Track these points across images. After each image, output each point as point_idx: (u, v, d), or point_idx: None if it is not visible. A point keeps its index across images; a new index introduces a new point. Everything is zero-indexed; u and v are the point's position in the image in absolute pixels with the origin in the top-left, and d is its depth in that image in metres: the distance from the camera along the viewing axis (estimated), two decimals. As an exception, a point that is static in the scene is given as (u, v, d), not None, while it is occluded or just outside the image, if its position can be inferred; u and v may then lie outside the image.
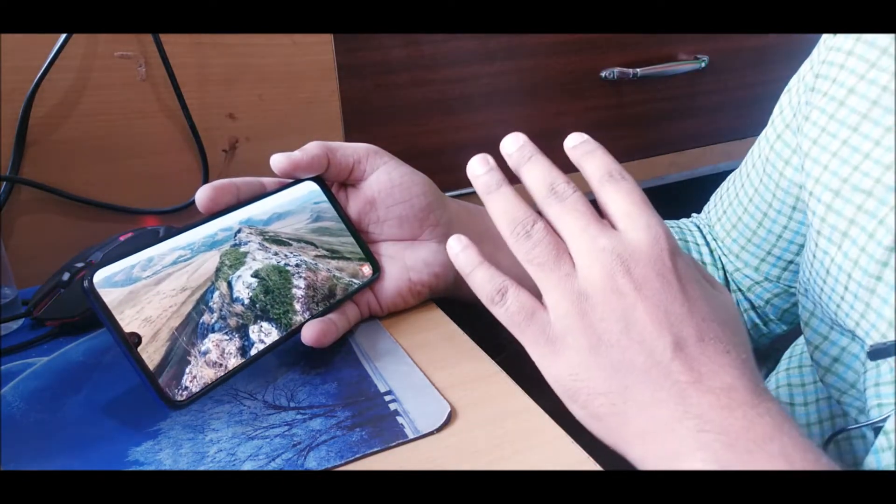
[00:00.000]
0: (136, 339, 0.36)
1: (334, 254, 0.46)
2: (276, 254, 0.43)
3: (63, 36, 0.54)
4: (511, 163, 0.37)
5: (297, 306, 0.43)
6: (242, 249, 0.42)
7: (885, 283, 0.38)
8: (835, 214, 0.41)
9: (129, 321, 0.36)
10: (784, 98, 0.52)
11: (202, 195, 0.41)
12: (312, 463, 0.34)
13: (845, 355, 0.45)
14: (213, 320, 0.39)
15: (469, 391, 0.39)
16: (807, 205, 0.44)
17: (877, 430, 0.41)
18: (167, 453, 0.35)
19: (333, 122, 0.67)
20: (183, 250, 0.40)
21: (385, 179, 0.46)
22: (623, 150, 0.85)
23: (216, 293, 0.40)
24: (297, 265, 0.44)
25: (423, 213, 0.47)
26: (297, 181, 0.46)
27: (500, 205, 0.35)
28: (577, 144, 0.36)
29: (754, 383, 0.31)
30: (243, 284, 0.41)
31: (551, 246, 0.34)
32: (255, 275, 0.42)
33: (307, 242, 0.45)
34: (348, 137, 0.68)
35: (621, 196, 0.34)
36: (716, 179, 0.62)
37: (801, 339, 0.57)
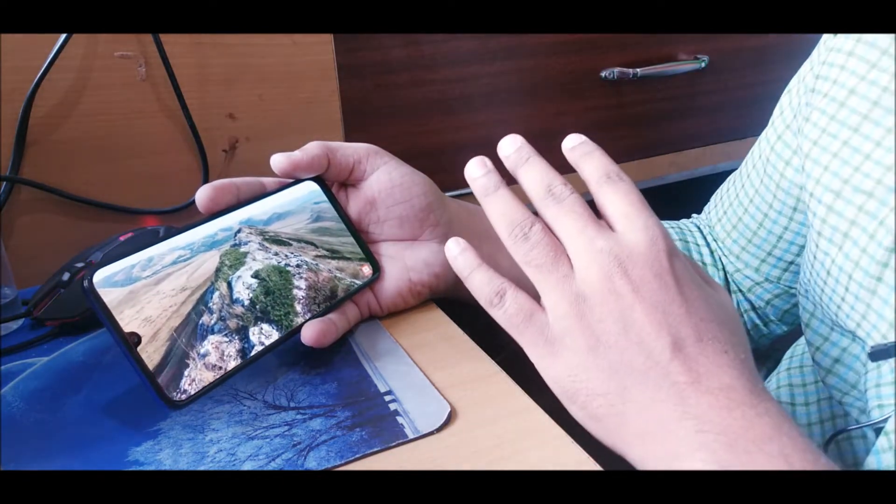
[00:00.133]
0: (135, 338, 0.36)
1: (334, 254, 0.46)
2: (276, 254, 0.43)
3: (63, 36, 0.54)
4: (508, 164, 0.37)
5: (298, 308, 0.43)
6: (242, 249, 0.42)
7: (885, 284, 0.38)
8: (835, 215, 0.41)
9: (128, 321, 0.36)
10: (784, 99, 0.52)
11: (202, 195, 0.41)
12: (312, 463, 0.34)
13: (846, 356, 0.45)
14: (212, 321, 0.39)
15: (469, 391, 0.39)
16: (807, 206, 0.45)
17: (878, 430, 0.41)
18: (167, 453, 0.35)
19: (333, 122, 0.67)
20: (183, 250, 0.40)
21: (385, 179, 0.46)
22: (623, 150, 0.85)
23: (216, 294, 0.40)
24: (297, 266, 0.44)
25: (423, 213, 0.47)
26: (298, 181, 0.46)
27: (497, 207, 0.35)
28: (575, 146, 0.36)
29: (753, 383, 0.31)
30: (243, 285, 0.41)
31: (549, 248, 0.34)
32: (256, 275, 0.42)
33: (307, 242, 0.45)
34: (348, 137, 0.68)
35: (619, 197, 0.34)
36: (716, 179, 0.62)
37: (802, 340, 0.57)
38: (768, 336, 0.58)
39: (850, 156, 0.41)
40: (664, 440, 0.31)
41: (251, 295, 0.41)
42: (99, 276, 0.36)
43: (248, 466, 0.34)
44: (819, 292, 0.44)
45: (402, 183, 0.46)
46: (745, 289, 0.56)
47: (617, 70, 0.79)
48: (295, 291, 0.43)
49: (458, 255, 0.37)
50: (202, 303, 0.39)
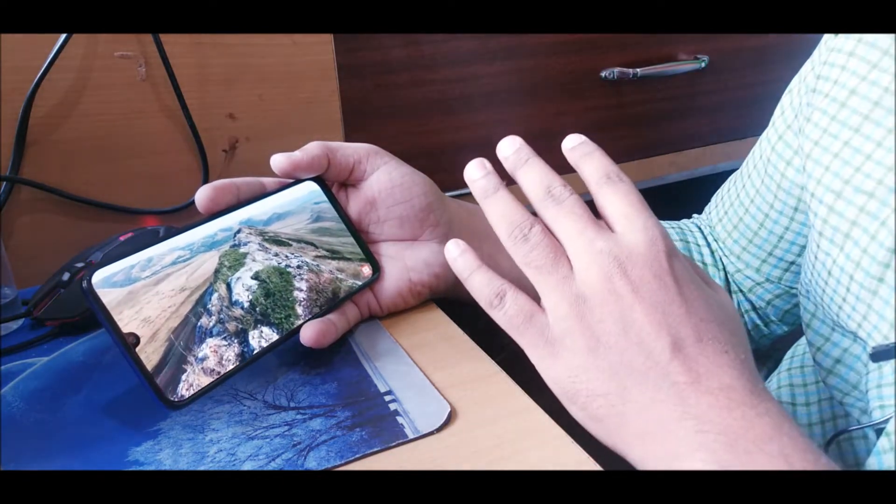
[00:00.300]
0: (134, 339, 0.36)
1: (334, 254, 0.46)
2: (276, 255, 0.43)
3: (63, 36, 0.54)
4: (507, 166, 0.37)
5: (300, 310, 0.43)
6: (242, 250, 0.42)
7: (886, 284, 0.38)
8: (836, 216, 0.41)
9: (127, 321, 0.36)
10: (785, 99, 0.52)
11: (202, 195, 0.41)
12: (312, 463, 0.34)
13: (847, 357, 0.45)
14: (211, 324, 0.39)
15: (469, 391, 0.39)
16: (808, 206, 0.44)
17: (879, 431, 0.41)
18: (167, 453, 0.35)
19: (333, 122, 0.67)
20: (182, 251, 0.40)
21: (385, 179, 0.46)
22: (623, 150, 0.85)
23: (214, 295, 0.40)
24: (298, 266, 0.44)
25: (423, 214, 0.47)
26: (298, 181, 0.46)
27: (497, 208, 0.35)
28: (574, 146, 0.36)
29: (753, 383, 0.31)
30: (243, 287, 0.41)
31: (549, 249, 0.34)
32: (256, 276, 0.42)
33: (307, 243, 0.45)
34: (348, 137, 0.68)
35: (619, 198, 0.34)
36: (716, 179, 0.62)
37: (802, 340, 0.57)
38: (769, 336, 0.58)
39: (851, 156, 0.41)
40: (664, 440, 0.31)
41: (251, 297, 0.41)
42: (98, 277, 0.36)
43: (248, 466, 0.34)
44: (820, 293, 0.44)
45: (402, 183, 0.46)
46: (745, 289, 0.56)
47: (617, 70, 0.79)
48: (296, 293, 0.43)
49: (458, 256, 0.37)
50: (201, 304, 0.39)
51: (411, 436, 0.36)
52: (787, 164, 0.50)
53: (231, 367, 0.39)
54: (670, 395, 0.31)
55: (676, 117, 0.87)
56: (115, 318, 0.36)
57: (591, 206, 0.35)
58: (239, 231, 0.42)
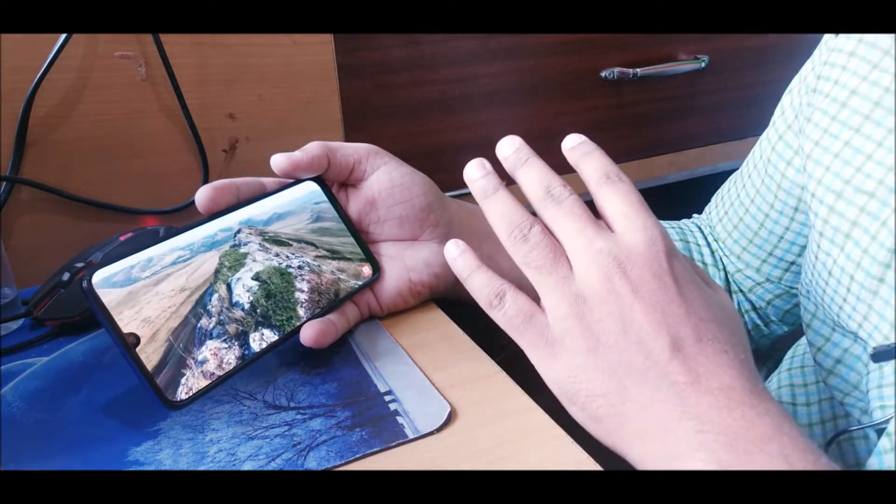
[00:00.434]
0: (134, 339, 0.36)
1: (335, 254, 0.46)
2: (276, 255, 0.43)
3: (63, 36, 0.54)
4: (507, 166, 0.37)
5: (301, 312, 0.42)
6: (242, 250, 0.42)
7: (887, 284, 0.38)
8: (837, 216, 0.41)
9: (127, 321, 0.36)
10: (785, 99, 0.52)
11: (202, 195, 0.41)
12: (312, 463, 0.34)
13: (848, 357, 0.45)
14: (211, 325, 0.39)
15: (469, 391, 0.39)
16: (809, 206, 0.44)
17: (879, 431, 0.41)
18: (167, 453, 0.35)
19: (333, 122, 0.67)
20: (182, 251, 0.40)
21: (385, 179, 0.46)
22: (623, 150, 0.85)
23: (214, 296, 0.40)
24: (299, 267, 0.44)
25: (423, 214, 0.47)
26: (298, 181, 0.46)
27: (497, 209, 0.35)
28: (574, 146, 0.37)
29: (753, 383, 0.31)
30: (243, 288, 0.41)
31: (548, 249, 0.34)
32: (256, 277, 0.42)
33: (307, 243, 0.45)
34: (348, 137, 0.68)
35: (618, 198, 0.34)
36: (716, 180, 0.62)
37: (803, 340, 0.57)
38: (769, 336, 0.58)
39: (852, 156, 0.41)
40: (664, 440, 0.31)
41: (251, 298, 0.41)
42: (98, 277, 0.36)
43: (248, 466, 0.34)
44: (820, 293, 0.44)
45: (402, 183, 0.46)
46: (745, 289, 0.56)
47: (617, 70, 0.79)
48: (297, 294, 0.43)
49: (458, 256, 0.37)
50: (201, 305, 0.39)
51: (411, 436, 0.36)
52: (788, 165, 0.50)
53: (232, 370, 0.39)
54: (670, 395, 0.31)
55: (676, 117, 0.87)
56: (115, 318, 0.36)
57: (591, 206, 0.35)
58: (239, 231, 0.42)
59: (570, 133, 0.37)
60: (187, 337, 0.38)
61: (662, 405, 0.31)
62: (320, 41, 0.64)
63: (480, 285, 0.36)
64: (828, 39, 0.46)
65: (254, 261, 0.42)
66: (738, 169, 0.57)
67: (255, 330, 0.40)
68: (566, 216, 0.34)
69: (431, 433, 0.36)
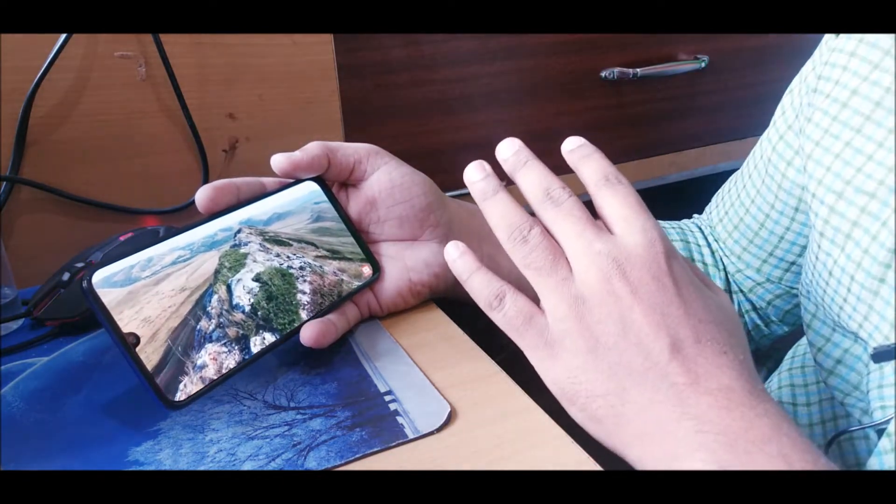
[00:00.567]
0: (134, 339, 0.36)
1: (335, 254, 0.46)
2: (277, 255, 0.43)
3: (63, 36, 0.54)
4: (507, 168, 0.37)
5: (303, 314, 0.42)
6: (242, 250, 0.42)
7: (887, 285, 0.38)
8: (838, 216, 0.41)
9: (127, 321, 0.36)
10: (786, 99, 0.52)
11: (202, 195, 0.41)
12: (312, 463, 0.34)
13: (848, 357, 0.45)
14: (210, 328, 0.38)
15: (469, 391, 0.39)
16: (809, 206, 0.44)
17: (880, 431, 0.41)
18: (167, 453, 0.35)
19: (333, 122, 0.67)
20: (182, 250, 0.40)
21: (385, 179, 0.46)
22: (623, 150, 0.85)
23: (214, 297, 0.39)
24: (300, 268, 0.43)
25: (423, 214, 0.47)
26: (298, 181, 0.46)
27: (497, 210, 0.36)
28: (574, 148, 0.37)
29: (752, 384, 0.31)
30: (244, 289, 0.41)
31: (548, 250, 0.34)
32: (257, 279, 0.42)
33: (307, 243, 0.45)
34: (348, 137, 0.68)
35: (617, 200, 0.34)
36: (716, 179, 0.62)
37: (803, 340, 0.57)
38: (769, 336, 0.58)
39: (853, 157, 0.41)
40: (663, 441, 0.31)
41: (252, 300, 0.41)
42: (98, 277, 0.36)
43: (248, 466, 0.34)
44: (821, 293, 0.44)
45: (402, 183, 0.46)
46: (746, 289, 0.56)
47: (617, 70, 0.79)
48: (299, 296, 0.43)
49: (458, 258, 0.37)
50: (200, 306, 0.39)
51: (411, 436, 0.36)
52: (788, 165, 0.50)
53: (231, 360, 0.39)
54: (669, 396, 0.31)
55: (676, 117, 0.87)
56: (115, 318, 0.36)
57: (590, 207, 0.35)
58: (239, 231, 0.42)
59: (569, 133, 0.37)
60: (186, 340, 0.37)
61: (662, 406, 0.31)
62: (320, 41, 0.64)
63: (480, 287, 0.36)
64: (828, 39, 0.46)
65: (254, 261, 0.42)
66: (738, 169, 0.57)
67: (256, 333, 0.40)
68: (565, 218, 0.34)
69: (431, 433, 0.36)
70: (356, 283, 0.46)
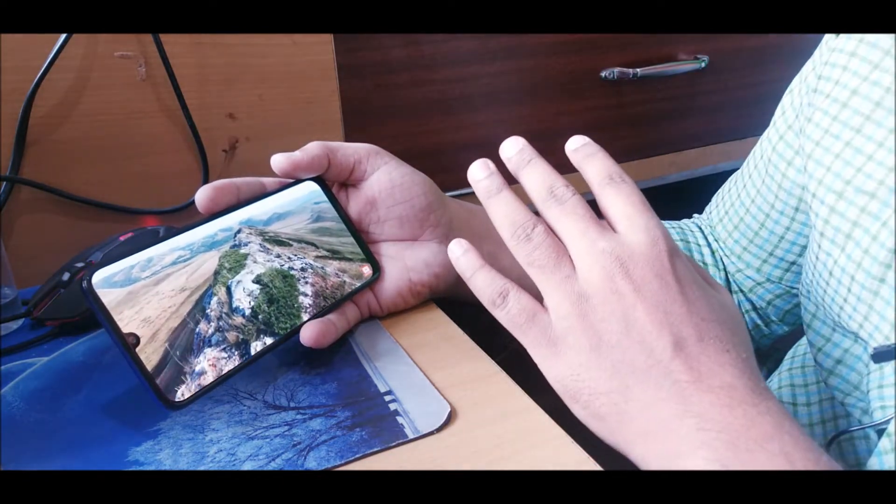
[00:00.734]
0: (134, 339, 0.36)
1: (335, 254, 0.46)
2: (278, 256, 0.43)
3: (63, 36, 0.54)
4: (510, 166, 0.37)
5: (305, 318, 0.42)
6: (243, 251, 0.42)
7: (888, 285, 0.38)
8: (838, 216, 0.41)
9: (127, 322, 0.36)
10: (786, 99, 0.52)
11: (202, 195, 0.41)
12: (312, 463, 0.34)
13: (848, 357, 0.45)
14: (210, 331, 0.38)
15: (469, 391, 0.39)
16: (809, 206, 0.44)
17: (880, 431, 0.41)
18: (167, 453, 0.35)
19: (333, 122, 0.67)
20: (182, 251, 0.40)
21: (385, 180, 0.46)
22: (623, 150, 0.85)
23: (214, 299, 0.39)
24: (302, 269, 0.43)
25: (423, 214, 0.47)
26: (298, 181, 0.46)
27: (500, 208, 0.36)
28: (578, 147, 0.37)
29: (755, 382, 0.32)
30: (244, 291, 0.40)
31: (551, 249, 0.34)
32: (258, 280, 0.41)
33: (307, 243, 0.45)
34: (348, 137, 0.68)
35: (621, 199, 0.34)
36: (716, 179, 0.62)
37: (803, 340, 0.57)
38: (769, 336, 0.58)
39: (853, 157, 0.41)
40: (666, 438, 0.31)
41: (252, 303, 0.40)
42: (98, 277, 0.36)
43: (248, 466, 0.34)
44: (821, 293, 0.44)
45: (402, 183, 0.46)
46: (746, 289, 0.56)
47: (617, 70, 0.79)
48: (301, 299, 0.42)
49: (461, 256, 0.37)
50: (200, 307, 0.39)
51: (411, 436, 0.36)
52: (788, 165, 0.50)
53: (230, 365, 0.38)
54: (672, 394, 0.31)
55: (676, 117, 0.87)
56: (115, 318, 0.36)
57: (594, 206, 0.35)
58: (239, 231, 0.42)
59: (570, 133, 0.37)
60: (185, 344, 0.37)
61: (664, 404, 0.31)
62: (320, 41, 0.64)
63: (484, 284, 0.36)
64: (828, 39, 0.46)
65: (254, 262, 0.42)
66: (738, 169, 0.57)
67: (257, 338, 0.40)
68: (569, 216, 0.34)
69: (431, 433, 0.36)
70: (356, 284, 0.46)
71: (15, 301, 0.48)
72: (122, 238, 0.49)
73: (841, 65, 0.44)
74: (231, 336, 0.39)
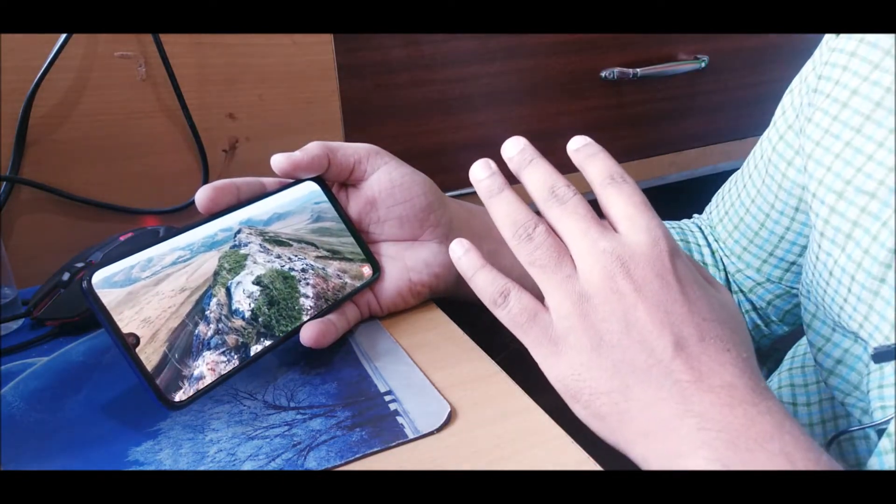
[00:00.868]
0: (134, 339, 0.36)
1: (335, 254, 0.46)
2: (278, 256, 0.43)
3: (63, 36, 0.54)
4: (512, 166, 0.37)
5: (306, 319, 0.42)
6: (243, 251, 0.42)
7: (888, 285, 0.38)
8: (838, 216, 0.41)
9: (127, 322, 0.36)
10: (786, 99, 0.52)
11: (202, 195, 0.41)
12: (312, 463, 0.34)
13: (848, 357, 0.45)
14: (209, 333, 0.38)
15: (469, 391, 0.39)
16: (809, 206, 0.44)
17: (880, 431, 0.41)
18: (167, 453, 0.35)
19: (333, 122, 0.67)
20: (182, 251, 0.40)
21: (386, 180, 0.46)
22: (623, 150, 0.85)
23: (213, 300, 0.39)
24: (303, 270, 0.43)
25: (423, 214, 0.47)
26: (298, 181, 0.46)
27: (502, 208, 0.36)
28: (579, 147, 0.37)
29: (755, 382, 0.32)
30: (244, 293, 0.40)
31: (553, 248, 0.34)
32: (258, 282, 0.41)
33: (307, 243, 0.45)
34: (348, 137, 0.68)
35: (622, 199, 0.34)
36: (716, 179, 0.62)
37: (803, 340, 0.57)
38: (769, 336, 0.58)
39: (853, 157, 0.41)
40: (666, 438, 0.31)
41: (252, 305, 0.40)
42: (98, 277, 0.36)
43: (248, 466, 0.34)
44: (821, 293, 0.44)
45: (402, 183, 0.46)
46: (746, 289, 0.56)
47: (617, 70, 0.79)
48: (302, 300, 0.42)
49: (462, 255, 0.37)
50: (199, 309, 0.39)
51: (411, 436, 0.36)
52: (788, 165, 0.50)
53: (230, 368, 0.38)
54: (672, 394, 0.31)
55: (676, 117, 0.87)
56: (115, 318, 0.36)
57: (595, 205, 0.35)
58: (239, 231, 0.42)
59: (569, 133, 0.37)
60: (185, 346, 0.37)
61: (665, 403, 0.31)
62: (320, 41, 0.64)
63: (485, 284, 0.36)
64: (829, 39, 0.46)
65: (255, 262, 0.42)
66: (738, 169, 0.57)
67: (257, 342, 0.40)
68: (570, 216, 0.34)
69: (431, 433, 0.36)
70: (356, 284, 0.46)
71: (15, 301, 0.48)
72: (122, 238, 0.49)
73: (841, 65, 0.44)
74: (230, 339, 0.39)
